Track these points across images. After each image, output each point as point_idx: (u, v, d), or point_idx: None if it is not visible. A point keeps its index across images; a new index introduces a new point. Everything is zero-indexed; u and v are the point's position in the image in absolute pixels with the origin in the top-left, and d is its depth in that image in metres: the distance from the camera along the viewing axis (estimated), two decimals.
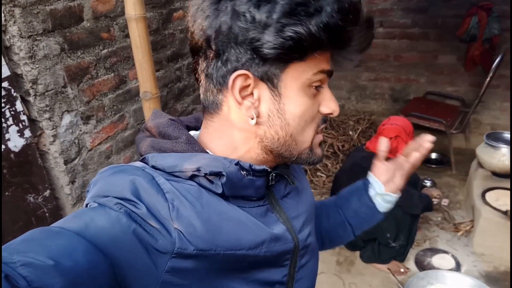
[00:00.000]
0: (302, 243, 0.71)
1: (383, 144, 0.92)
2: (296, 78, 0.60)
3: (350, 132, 3.73)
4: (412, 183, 2.64)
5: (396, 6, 3.68)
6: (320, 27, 0.55)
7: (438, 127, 3.32)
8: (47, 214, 1.61)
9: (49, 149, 1.59)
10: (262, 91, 0.61)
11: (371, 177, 0.93)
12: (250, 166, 0.62)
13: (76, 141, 1.70)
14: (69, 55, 1.60)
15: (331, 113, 0.66)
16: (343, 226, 0.96)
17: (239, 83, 0.60)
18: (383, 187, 0.91)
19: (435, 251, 2.51)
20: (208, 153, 0.66)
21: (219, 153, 0.66)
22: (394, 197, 0.92)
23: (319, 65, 0.61)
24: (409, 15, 3.68)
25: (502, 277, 2.27)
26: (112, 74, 1.87)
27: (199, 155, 0.62)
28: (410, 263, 2.45)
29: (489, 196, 2.57)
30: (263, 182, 0.65)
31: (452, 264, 2.39)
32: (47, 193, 1.60)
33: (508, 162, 2.60)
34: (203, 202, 0.60)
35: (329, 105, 0.65)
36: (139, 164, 0.63)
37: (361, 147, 2.68)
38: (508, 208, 2.38)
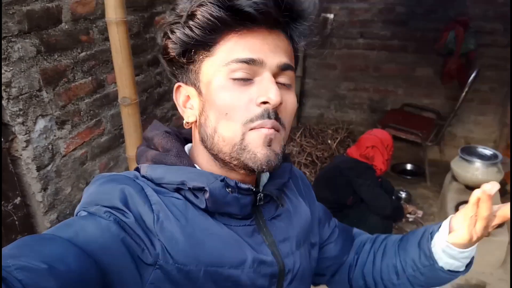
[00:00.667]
0: (288, 268, 0.70)
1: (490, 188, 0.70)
2: (211, 73, 0.62)
3: (329, 141, 3.75)
4: (388, 192, 2.68)
5: (377, 18, 3.73)
6: (192, 24, 0.59)
7: (414, 139, 3.38)
8: (17, 223, 1.54)
9: (21, 155, 1.53)
10: (194, 96, 0.65)
11: (444, 223, 0.76)
12: (236, 183, 0.62)
13: (50, 146, 1.63)
14: (45, 57, 1.54)
15: (266, 102, 0.59)
16: (396, 271, 0.82)
17: (181, 93, 0.68)
18: (447, 234, 0.73)
19: None
20: (195, 167, 0.67)
21: (205, 166, 0.67)
22: (459, 252, 0.72)
23: (231, 55, 0.60)
24: (389, 27, 3.74)
25: None
26: (90, 78, 1.81)
27: (186, 169, 0.64)
28: None
29: None
30: (249, 201, 0.65)
31: None
32: (17, 200, 1.53)
33: (481, 177, 2.66)
34: (188, 217, 0.61)
35: (263, 93, 0.60)
36: (131, 173, 0.65)
37: (342, 154, 2.72)
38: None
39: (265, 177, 0.74)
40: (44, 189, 1.63)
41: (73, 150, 1.77)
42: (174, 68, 0.67)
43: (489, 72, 3.56)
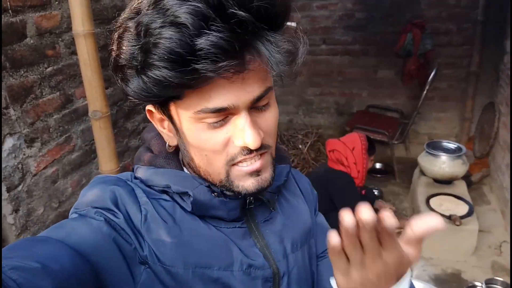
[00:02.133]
0: (283, 271, 0.68)
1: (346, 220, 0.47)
2: (181, 114, 0.57)
3: (300, 146, 3.80)
4: (371, 199, 2.72)
5: (338, 24, 3.84)
6: (148, 81, 0.51)
7: (381, 138, 3.48)
8: None
9: None
10: (169, 123, 0.62)
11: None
12: (221, 190, 0.62)
13: (20, 166, 1.57)
14: (11, 73, 1.49)
15: (245, 146, 0.56)
16: None
17: (154, 116, 0.63)
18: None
19: None
20: (183, 170, 0.66)
21: (194, 171, 0.66)
22: None
23: (198, 104, 0.54)
24: (349, 33, 3.85)
25: (450, 279, 2.40)
26: (58, 93, 1.76)
27: (171, 172, 0.64)
28: None
29: (433, 202, 2.71)
30: (237, 205, 0.64)
31: None
32: None
33: (448, 169, 2.77)
34: (176, 218, 0.61)
35: (241, 137, 0.56)
36: (125, 175, 0.65)
37: (325, 164, 2.69)
38: (452, 213, 2.52)
39: None
40: (16, 210, 1.57)
41: (44, 168, 1.71)
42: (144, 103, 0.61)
43: (447, 70, 3.73)
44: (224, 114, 0.55)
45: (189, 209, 0.61)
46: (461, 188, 2.88)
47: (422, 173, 3.02)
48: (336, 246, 0.49)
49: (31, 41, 1.58)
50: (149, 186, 0.63)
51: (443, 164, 2.79)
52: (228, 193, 0.63)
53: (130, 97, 0.56)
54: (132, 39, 0.51)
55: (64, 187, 1.84)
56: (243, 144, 0.56)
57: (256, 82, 0.55)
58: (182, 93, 0.53)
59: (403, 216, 3.04)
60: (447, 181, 2.88)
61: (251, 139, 0.55)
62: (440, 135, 3.88)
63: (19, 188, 1.57)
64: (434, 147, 2.92)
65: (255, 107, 0.57)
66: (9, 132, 1.50)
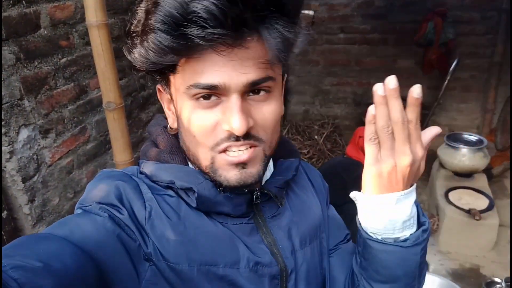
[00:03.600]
0: (291, 268, 0.67)
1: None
2: (177, 89, 0.58)
3: (316, 137, 3.76)
4: None
5: (356, 12, 3.76)
6: (148, 46, 0.52)
7: None
8: (4, 237, 1.49)
9: (5, 167, 1.48)
10: (171, 103, 0.63)
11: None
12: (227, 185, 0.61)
13: (35, 156, 1.58)
14: (25, 65, 1.50)
15: (229, 130, 0.55)
16: (353, 277, 0.70)
17: (163, 95, 0.65)
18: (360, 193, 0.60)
19: None
20: (187, 165, 0.65)
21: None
22: (373, 198, 0.57)
23: (190, 79, 0.54)
24: (368, 21, 3.76)
25: (468, 274, 2.35)
26: (72, 84, 1.77)
27: (176, 168, 0.63)
28: None
29: (452, 195, 2.65)
30: (243, 200, 0.63)
31: None
32: (4, 214, 1.48)
33: (468, 162, 2.70)
34: (181, 214, 0.60)
35: (226, 120, 0.54)
36: (130, 170, 0.65)
37: (342, 155, 2.64)
38: (471, 207, 2.46)
39: (268, 173, 0.71)
40: (31, 201, 1.58)
41: (59, 159, 1.72)
42: (149, 74, 0.63)
43: (469, 60, 3.61)
44: (216, 94, 0.54)
45: (194, 205, 0.60)
46: (481, 181, 2.81)
47: (442, 165, 2.95)
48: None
49: (45, 32, 1.58)
50: (154, 182, 0.63)
51: (463, 157, 2.72)
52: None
53: (134, 66, 0.58)
54: (143, 6, 0.53)
55: (79, 177, 1.85)
56: (229, 128, 0.54)
57: (253, 66, 0.53)
58: (177, 61, 0.54)
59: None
60: (467, 174, 2.81)
61: (237, 124, 0.53)
62: (461, 127, 3.78)
63: (34, 178, 1.59)
64: (455, 139, 2.85)
65: (251, 94, 0.56)
66: (24, 123, 1.51)
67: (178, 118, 0.61)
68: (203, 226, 0.61)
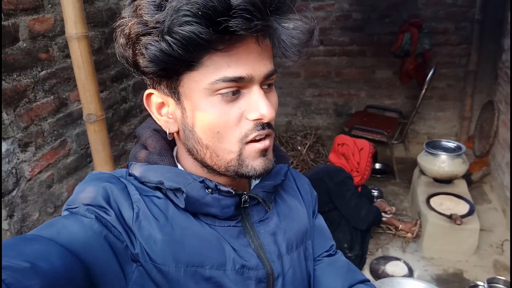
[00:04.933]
0: (278, 272, 0.67)
1: None
2: (193, 89, 0.57)
3: (299, 147, 3.78)
4: (367, 196, 2.71)
5: (335, 25, 3.83)
6: (171, 41, 0.51)
7: (380, 138, 3.46)
8: None
9: None
10: (172, 106, 0.62)
11: None
12: (216, 185, 0.62)
13: (14, 171, 1.55)
14: (3, 77, 1.48)
15: (260, 119, 0.57)
16: None
17: (153, 100, 0.63)
18: None
19: (387, 258, 2.57)
20: (176, 166, 0.66)
21: (189, 168, 0.66)
22: None
23: (217, 73, 0.55)
24: (347, 33, 3.84)
25: (451, 279, 2.37)
26: (52, 97, 1.75)
27: (164, 169, 0.63)
28: (366, 272, 2.49)
29: (433, 201, 2.69)
30: (231, 202, 0.63)
31: (405, 270, 2.46)
32: None
33: (448, 168, 2.75)
34: (169, 216, 0.60)
35: (255, 109, 0.57)
36: (119, 172, 0.65)
37: (326, 163, 2.74)
38: (452, 212, 2.50)
39: None
40: (10, 216, 1.55)
41: (39, 173, 1.69)
42: (144, 77, 0.62)
43: (445, 69, 3.72)
44: (240, 86, 0.56)
45: (182, 205, 0.60)
46: (461, 187, 2.86)
47: (422, 172, 3.00)
48: None
49: (24, 45, 1.57)
50: (142, 183, 0.63)
51: (442, 163, 2.78)
52: (223, 188, 0.62)
53: (144, 68, 0.56)
54: (154, 6, 0.52)
55: (59, 191, 1.82)
56: (259, 116, 0.57)
57: (268, 58, 0.59)
58: (203, 56, 0.54)
59: (387, 201, 3.09)
60: (447, 181, 2.87)
61: (267, 111, 0.57)
62: (439, 135, 3.86)
63: (13, 193, 1.55)
64: (434, 146, 2.91)
65: (263, 87, 0.60)
66: (2, 136, 1.49)
67: (186, 119, 0.60)
68: (190, 227, 0.61)
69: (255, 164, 0.60)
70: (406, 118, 3.72)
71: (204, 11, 0.48)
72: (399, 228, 2.74)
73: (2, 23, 1.46)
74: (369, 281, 0.83)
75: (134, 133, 2.48)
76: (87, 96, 1.69)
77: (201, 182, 0.61)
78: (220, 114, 0.57)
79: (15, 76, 1.54)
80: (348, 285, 0.78)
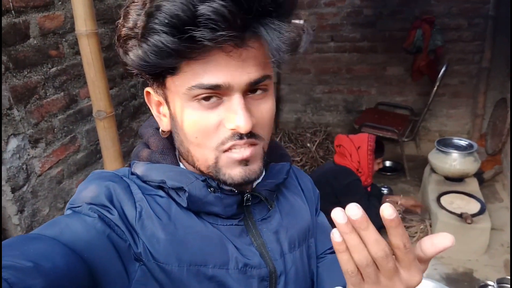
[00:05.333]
0: (280, 271, 0.67)
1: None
2: (175, 92, 0.57)
3: (308, 144, 3.76)
4: (376, 195, 2.68)
5: (346, 21, 3.80)
6: (148, 48, 0.51)
7: (391, 136, 3.43)
8: None
9: None
10: (164, 105, 0.62)
11: None
12: (218, 184, 0.61)
13: (24, 166, 1.57)
14: (14, 74, 1.50)
15: (234, 129, 0.55)
16: None
17: (151, 98, 0.64)
18: None
19: None
20: (179, 165, 0.66)
21: (190, 166, 0.66)
22: None
23: (193, 79, 0.54)
24: (358, 30, 3.81)
25: (461, 278, 2.35)
26: (62, 94, 1.76)
27: (167, 168, 0.63)
28: None
29: (444, 200, 2.66)
30: (234, 201, 0.63)
31: None
32: None
33: (459, 167, 2.72)
34: (171, 215, 0.60)
35: (232, 119, 0.55)
36: (121, 171, 0.65)
37: (333, 162, 2.65)
38: (463, 211, 2.47)
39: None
40: (21, 211, 1.57)
41: (49, 169, 1.71)
42: (140, 76, 0.62)
43: (457, 66, 3.66)
44: (218, 94, 0.55)
45: (184, 204, 0.60)
46: (472, 185, 2.82)
47: (433, 170, 2.97)
48: (339, 244, 0.46)
49: (35, 42, 1.58)
50: (145, 182, 0.63)
51: (454, 161, 2.74)
52: (225, 187, 0.62)
53: (130, 69, 0.58)
54: (138, 8, 0.53)
55: (69, 187, 1.84)
56: (234, 127, 0.55)
57: (254, 65, 0.55)
58: (179, 63, 0.53)
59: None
60: (458, 179, 2.83)
61: (243, 122, 0.54)
62: (451, 132, 3.81)
63: (24, 188, 1.58)
64: (445, 144, 2.87)
65: (250, 93, 0.57)
66: (13, 132, 1.51)
67: (173, 120, 0.61)
68: (193, 226, 0.61)
69: (233, 173, 0.59)
70: (418, 116, 3.68)
71: (170, 20, 0.48)
72: (398, 203, 2.66)
73: (13, 20, 1.47)
74: None
75: None
76: (97, 93, 1.70)
77: (203, 181, 0.61)
78: (198, 119, 0.56)
79: (26, 72, 1.55)
80: None
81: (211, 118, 0.56)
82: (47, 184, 1.70)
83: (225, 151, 0.58)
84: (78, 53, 1.74)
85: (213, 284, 0.60)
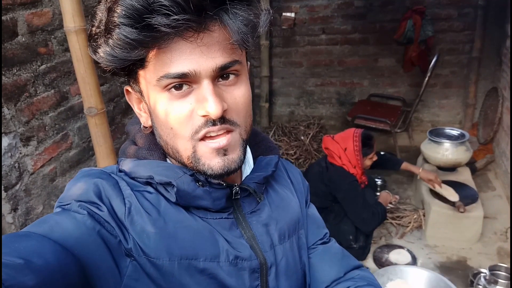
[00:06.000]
0: (271, 262, 0.68)
1: None
2: (147, 85, 0.59)
3: (302, 137, 3.77)
4: (371, 186, 2.67)
5: (337, 13, 3.80)
6: (113, 43, 0.53)
7: (383, 127, 3.45)
8: None
9: None
10: (143, 102, 0.64)
11: None
12: (206, 178, 0.62)
13: (16, 165, 1.57)
14: (3, 72, 1.48)
15: (206, 115, 0.56)
16: None
17: (131, 96, 0.65)
18: None
19: (391, 247, 2.57)
20: (166, 161, 0.66)
21: (177, 161, 0.66)
22: None
23: (161, 70, 0.55)
24: (349, 22, 3.81)
25: (455, 267, 2.37)
26: (53, 91, 1.75)
27: (154, 163, 0.63)
28: (369, 260, 2.50)
29: (437, 189, 2.68)
30: (222, 194, 0.64)
31: (408, 258, 2.47)
32: None
33: (451, 156, 2.74)
34: (161, 210, 0.61)
35: (202, 106, 0.56)
36: (109, 168, 0.66)
37: (325, 159, 2.55)
38: (456, 199, 2.49)
39: (248, 169, 0.73)
40: (14, 209, 1.57)
41: (41, 166, 1.71)
42: (114, 74, 0.62)
43: (448, 56, 3.68)
44: (187, 82, 0.56)
45: (173, 199, 0.61)
46: (465, 175, 2.85)
47: (426, 160, 2.99)
48: None
49: (23, 39, 1.57)
50: (133, 178, 0.63)
51: (446, 151, 2.76)
52: (213, 181, 0.62)
53: (101, 66, 0.59)
54: (102, 7, 0.54)
55: (62, 185, 1.83)
56: (205, 113, 0.56)
57: (219, 50, 0.55)
58: (145, 54, 0.54)
59: (391, 189, 3.01)
60: (451, 168, 2.85)
61: (213, 107, 0.54)
62: (443, 122, 3.84)
63: (17, 187, 1.57)
64: (437, 134, 2.89)
65: (222, 79, 0.58)
66: (4, 131, 1.50)
67: (151, 114, 0.62)
68: (182, 221, 0.61)
69: (212, 163, 0.59)
70: (410, 106, 3.70)
71: (127, 11, 0.49)
72: (395, 200, 2.69)
73: (1, 17, 1.46)
74: (362, 265, 0.84)
75: None
76: (87, 90, 1.69)
77: (191, 175, 0.61)
78: (171, 109, 0.57)
79: (15, 71, 1.54)
80: (344, 271, 0.79)
81: (183, 106, 0.57)
82: (40, 182, 1.70)
83: (201, 139, 0.58)
84: (67, 50, 1.72)
85: (204, 277, 0.61)
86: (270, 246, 0.68)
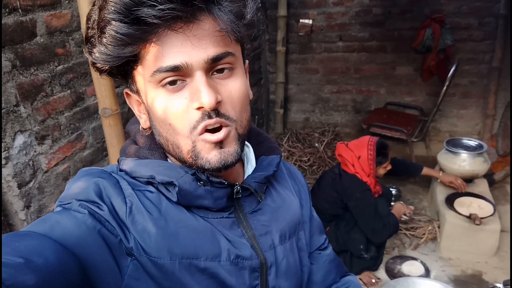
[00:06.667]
0: (271, 262, 0.68)
1: None
2: (142, 83, 0.59)
3: (316, 144, 3.75)
4: (386, 196, 2.62)
5: (354, 20, 3.78)
6: (106, 41, 0.54)
7: (400, 136, 3.40)
8: None
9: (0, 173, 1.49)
10: (141, 102, 0.64)
11: None
12: (208, 176, 0.62)
13: (31, 163, 1.59)
14: (21, 72, 1.51)
15: (201, 107, 0.56)
16: None
17: (131, 99, 0.66)
18: None
19: (404, 258, 2.53)
20: (167, 160, 0.67)
21: (178, 160, 0.66)
22: None
23: (154, 64, 0.55)
24: (366, 29, 3.79)
25: (470, 280, 2.31)
26: (69, 91, 1.78)
27: (155, 163, 0.63)
28: (381, 271, 2.46)
29: (457, 202, 2.62)
30: (223, 194, 0.64)
31: (422, 270, 2.42)
32: None
33: (469, 167, 2.68)
34: (162, 209, 0.61)
35: (196, 97, 0.55)
36: (110, 168, 0.66)
37: (339, 167, 2.49)
38: (472, 212, 2.44)
39: (250, 168, 0.73)
40: (27, 206, 1.59)
41: (55, 165, 1.73)
42: (111, 74, 0.63)
43: (468, 66, 3.62)
44: (181, 76, 0.56)
45: (174, 199, 0.61)
46: (482, 186, 2.78)
47: (442, 171, 2.93)
48: None
49: (41, 40, 1.60)
50: (134, 178, 0.63)
51: (463, 162, 2.70)
52: (215, 180, 0.62)
53: (98, 67, 0.59)
54: (94, 8, 0.56)
55: None
56: (199, 105, 0.55)
57: (210, 42, 0.55)
58: (137, 50, 0.55)
59: (406, 200, 2.94)
60: (468, 180, 2.79)
61: (206, 97, 0.54)
62: (461, 133, 3.77)
63: (30, 184, 1.59)
64: (454, 144, 2.83)
65: (216, 73, 0.58)
66: (20, 129, 1.52)
67: (149, 112, 0.62)
68: (184, 220, 0.61)
69: (210, 157, 0.59)
70: (427, 116, 3.64)
71: (116, 7, 0.50)
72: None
73: (20, 18, 1.49)
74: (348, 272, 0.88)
75: None
76: (102, 91, 1.72)
77: (192, 174, 0.61)
78: (168, 105, 0.57)
79: (33, 70, 1.57)
80: (340, 276, 0.82)
81: (179, 101, 0.57)
82: (54, 180, 1.72)
83: (200, 134, 0.58)
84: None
85: (205, 276, 0.61)
86: (270, 246, 0.68)
